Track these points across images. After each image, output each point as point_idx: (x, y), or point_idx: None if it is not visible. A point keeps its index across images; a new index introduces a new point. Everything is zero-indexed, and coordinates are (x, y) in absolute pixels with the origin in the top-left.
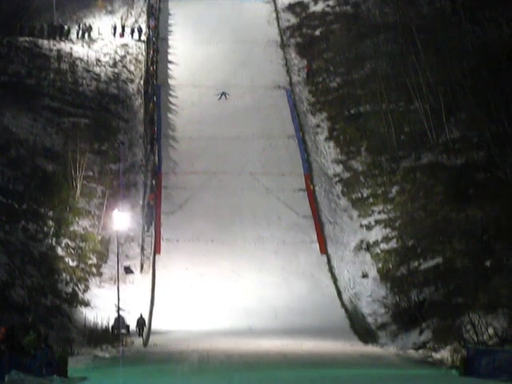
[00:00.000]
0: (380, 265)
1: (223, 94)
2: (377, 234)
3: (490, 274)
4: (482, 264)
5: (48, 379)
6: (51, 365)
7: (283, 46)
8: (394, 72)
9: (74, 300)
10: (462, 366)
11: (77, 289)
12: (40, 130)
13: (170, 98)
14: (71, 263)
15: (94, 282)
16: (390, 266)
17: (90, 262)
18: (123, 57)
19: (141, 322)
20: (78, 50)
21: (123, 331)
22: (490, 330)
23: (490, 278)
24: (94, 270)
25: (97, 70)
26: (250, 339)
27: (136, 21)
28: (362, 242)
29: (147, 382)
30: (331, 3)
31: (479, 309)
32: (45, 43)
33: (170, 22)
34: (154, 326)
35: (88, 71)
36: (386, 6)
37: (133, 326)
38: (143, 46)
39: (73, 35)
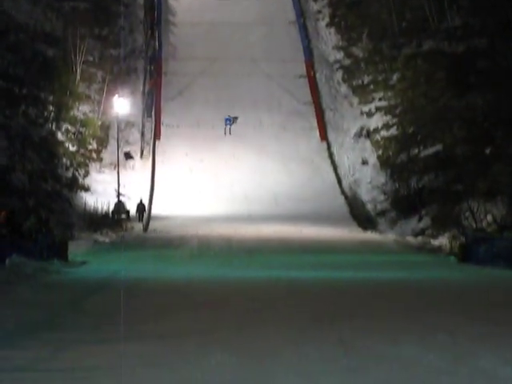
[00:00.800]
0: (380, 152)
1: (229, 120)
2: (377, 121)
3: (490, 161)
4: (482, 151)
5: (48, 263)
6: (51, 249)
7: None
8: None
9: (74, 185)
10: (461, 253)
11: (77, 174)
12: (40, 15)
13: None
14: (71, 148)
15: (94, 167)
16: (390, 153)
17: (90, 147)
18: None
19: (141, 208)
20: None
21: (123, 216)
22: (489, 217)
23: (489, 166)
24: (94, 155)
25: None
26: (249, 225)
27: None
28: (362, 128)
29: (147, 267)
30: None
31: (478, 196)
32: None
33: None
34: (153, 212)
35: None
36: None
37: (133, 211)
38: None
39: None
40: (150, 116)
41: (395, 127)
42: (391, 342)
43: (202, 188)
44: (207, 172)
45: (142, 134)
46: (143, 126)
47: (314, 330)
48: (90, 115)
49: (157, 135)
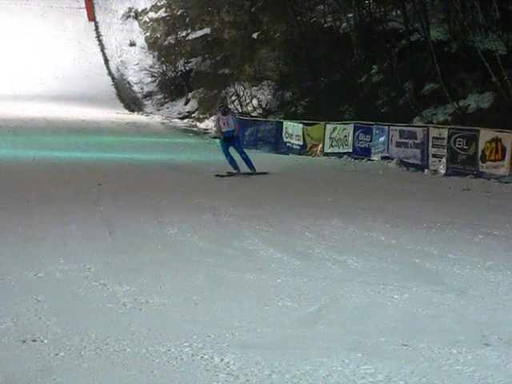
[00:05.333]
0: (148, 33)
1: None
2: (146, 2)
3: (257, 46)
4: (249, 36)
5: None
6: None
7: None
8: None
9: None
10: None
11: None
12: None
13: None
14: None
15: None
16: (158, 35)
17: None
18: None
19: None
20: None
21: None
22: (255, 102)
23: (256, 50)
24: None
25: None
26: (14, 104)
27: None
28: (130, 9)
29: None
30: None
31: (245, 80)
32: None
33: None
34: None
35: None
36: None
37: None
38: None
39: None
40: None
41: (164, 9)
42: (155, 223)
43: None
44: None
45: None
46: None
47: (79, 211)
48: None
49: None
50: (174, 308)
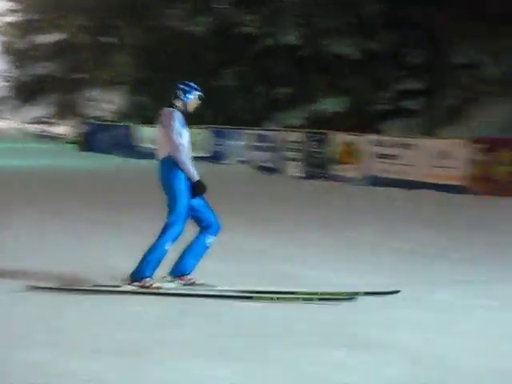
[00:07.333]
0: (2, 38)
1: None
2: (2, 6)
3: (112, 50)
4: (103, 41)
5: None
6: None
7: None
8: None
9: None
10: (82, 141)
11: None
12: None
13: None
14: None
15: None
16: (12, 39)
17: None
18: None
19: None
20: None
21: None
22: (111, 106)
23: (111, 55)
24: None
25: None
26: None
27: None
28: None
29: None
30: None
31: (100, 85)
32: None
33: None
34: None
35: None
36: None
37: None
38: None
39: None
40: None
41: (19, 13)
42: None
43: None
44: None
45: None
46: None
47: None
48: None
49: None
50: None
